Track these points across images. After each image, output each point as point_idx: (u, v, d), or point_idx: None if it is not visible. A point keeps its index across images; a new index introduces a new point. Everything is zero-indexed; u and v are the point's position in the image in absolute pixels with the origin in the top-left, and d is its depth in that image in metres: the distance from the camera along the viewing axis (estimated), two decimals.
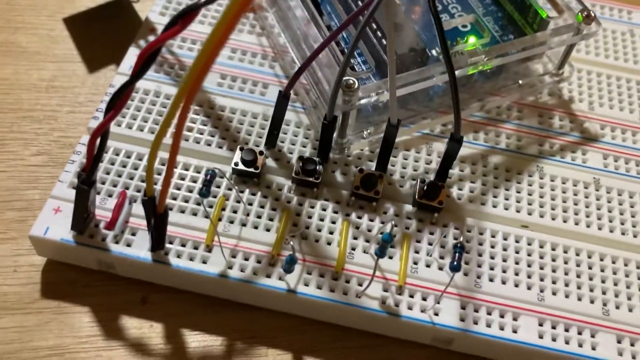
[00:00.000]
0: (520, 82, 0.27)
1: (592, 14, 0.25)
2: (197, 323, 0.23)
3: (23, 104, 0.28)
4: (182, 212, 0.23)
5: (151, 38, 0.28)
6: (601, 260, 0.24)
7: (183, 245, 0.23)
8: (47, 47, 0.30)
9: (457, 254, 0.20)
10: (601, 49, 0.30)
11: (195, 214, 0.23)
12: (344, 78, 0.22)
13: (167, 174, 0.19)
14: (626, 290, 0.23)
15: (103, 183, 0.24)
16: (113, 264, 0.23)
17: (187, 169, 0.25)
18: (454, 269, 0.20)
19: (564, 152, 0.27)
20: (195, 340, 0.23)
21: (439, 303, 0.22)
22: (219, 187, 0.24)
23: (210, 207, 0.24)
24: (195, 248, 0.23)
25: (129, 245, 0.23)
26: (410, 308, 0.22)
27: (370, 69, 0.25)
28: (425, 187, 0.24)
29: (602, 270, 0.24)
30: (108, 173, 0.24)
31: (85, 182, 0.21)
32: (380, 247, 0.21)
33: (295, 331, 0.23)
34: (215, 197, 0.24)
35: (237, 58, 0.28)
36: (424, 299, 0.22)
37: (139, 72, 0.19)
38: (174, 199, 0.24)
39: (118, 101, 0.19)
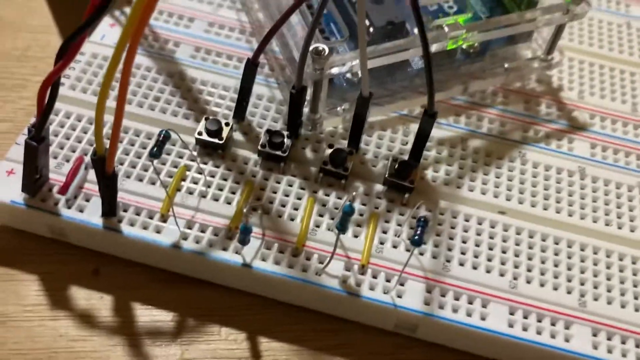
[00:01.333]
0: (506, 65, 0.26)
1: None
2: (150, 297, 0.22)
3: None
4: (140, 180, 0.22)
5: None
6: (582, 250, 0.22)
7: (137, 214, 0.22)
8: (23, 17, 0.30)
9: (419, 228, 0.19)
10: (595, 39, 0.29)
11: (153, 183, 0.22)
12: (314, 45, 0.21)
13: (115, 131, 0.18)
14: (606, 282, 0.22)
15: (61, 148, 0.23)
16: (64, 230, 0.22)
17: (149, 138, 0.24)
18: (414, 243, 0.19)
19: (550, 139, 0.25)
20: (145, 314, 0.21)
21: (402, 285, 0.21)
22: (181, 157, 0.23)
23: (171, 177, 0.23)
24: (150, 217, 0.22)
25: (81, 211, 0.22)
26: (372, 289, 0.21)
27: (344, 38, 0.24)
28: (396, 166, 0.23)
29: (582, 261, 0.22)
30: (68, 138, 0.23)
31: (34, 138, 0.20)
32: (341, 220, 0.20)
33: (252, 311, 0.22)
34: (176, 167, 0.23)
35: (213, 32, 0.27)
36: (388, 281, 0.21)
37: (90, 19, 0.18)
38: (133, 167, 0.23)
39: (68, 51, 0.18)
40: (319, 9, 0.20)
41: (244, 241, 0.20)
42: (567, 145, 0.25)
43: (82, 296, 0.22)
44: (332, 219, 0.22)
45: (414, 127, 0.25)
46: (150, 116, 0.24)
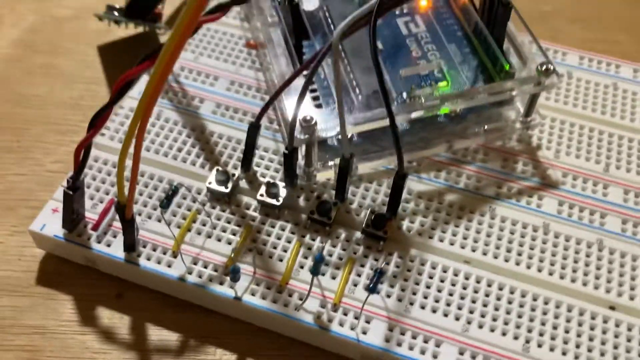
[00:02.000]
0: (485, 127, 0.29)
1: (551, 67, 0.27)
2: (161, 320, 0.26)
3: (51, 118, 0.33)
4: (159, 221, 0.27)
5: None
6: (534, 300, 0.25)
7: (154, 250, 0.26)
8: (79, 69, 0.35)
9: (375, 277, 0.23)
10: (580, 100, 0.32)
11: (169, 224, 0.27)
12: (305, 114, 0.25)
13: (132, 184, 0.23)
14: (552, 330, 0.24)
15: (97, 191, 0.28)
16: (95, 260, 0.27)
17: (171, 185, 0.28)
18: (369, 289, 0.23)
19: (521, 195, 0.28)
20: (156, 334, 0.26)
21: (368, 322, 0.24)
22: (195, 201, 0.27)
23: (185, 218, 0.27)
24: (164, 253, 0.26)
25: (108, 245, 0.26)
26: (341, 325, 0.24)
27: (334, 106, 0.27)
28: (373, 217, 0.26)
29: (533, 310, 0.25)
30: (103, 182, 0.28)
31: (70, 188, 0.25)
32: (314, 265, 0.23)
33: (244, 336, 0.26)
34: (190, 210, 0.27)
35: (233, 89, 0.32)
36: (356, 318, 0.25)
37: (114, 98, 0.22)
38: (154, 209, 0.27)
39: (98, 121, 0.23)
40: (304, 86, 0.24)
41: (234, 279, 0.24)
42: (536, 202, 0.28)
43: (106, 315, 0.26)
44: None
45: None
46: (173, 165, 0.29)
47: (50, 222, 0.27)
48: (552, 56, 0.33)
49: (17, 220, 0.29)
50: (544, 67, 0.27)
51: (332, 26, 0.31)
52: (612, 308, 0.25)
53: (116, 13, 0.34)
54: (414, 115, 0.27)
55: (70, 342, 0.26)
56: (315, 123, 0.25)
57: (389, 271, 0.25)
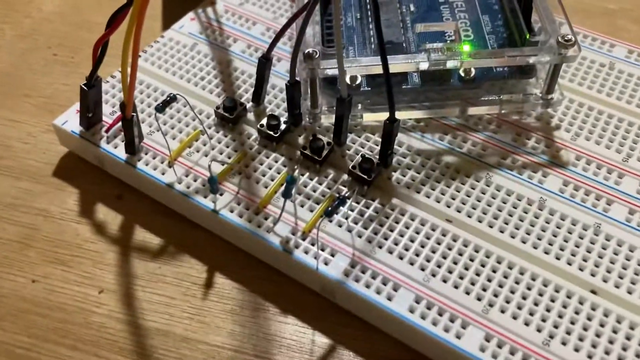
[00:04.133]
0: (501, 97, 0.28)
1: (572, 39, 0.26)
2: (148, 223, 0.28)
3: None
4: (166, 134, 0.29)
5: (209, 10, 0.35)
6: (509, 268, 0.24)
7: (154, 158, 0.28)
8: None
9: (335, 202, 0.23)
10: (617, 91, 0.30)
11: (174, 138, 0.28)
12: (307, 50, 0.26)
13: (130, 85, 0.24)
14: (520, 300, 0.23)
15: (119, 100, 0.30)
16: (102, 159, 0.29)
17: (184, 106, 0.30)
18: (326, 213, 0.23)
19: (524, 169, 0.27)
20: (140, 235, 0.27)
21: (333, 255, 0.24)
22: (202, 123, 0.29)
23: (188, 135, 0.28)
24: (162, 162, 0.28)
25: (115, 147, 0.28)
26: (306, 252, 0.25)
27: (344, 46, 0.28)
28: (360, 160, 0.26)
29: (505, 277, 0.24)
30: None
31: (87, 84, 0.27)
32: (285, 187, 0.24)
33: (220, 251, 0.27)
34: (194, 129, 0.29)
35: (267, 35, 0.33)
36: (322, 250, 0.25)
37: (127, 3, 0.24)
38: (164, 123, 0.29)
39: (116, 19, 0.25)
40: (306, 15, 0.25)
41: (213, 190, 0.25)
42: (538, 178, 0.27)
43: (103, 212, 0.28)
44: (299, 194, 0.26)
45: (400, 136, 0.28)
46: (193, 90, 0.30)
47: (71, 120, 0.29)
48: (598, 47, 0.32)
49: (53, 121, 0.32)
50: (565, 38, 0.26)
51: None
52: (593, 292, 0.23)
53: None
54: (422, 66, 0.27)
55: (66, 228, 0.28)
56: (319, 57, 0.26)
57: (351, 204, 0.25)
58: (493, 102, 0.28)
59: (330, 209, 0.23)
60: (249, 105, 0.29)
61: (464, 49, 0.28)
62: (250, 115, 0.29)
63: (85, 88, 0.27)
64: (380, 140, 0.28)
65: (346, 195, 0.23)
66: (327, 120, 0.29)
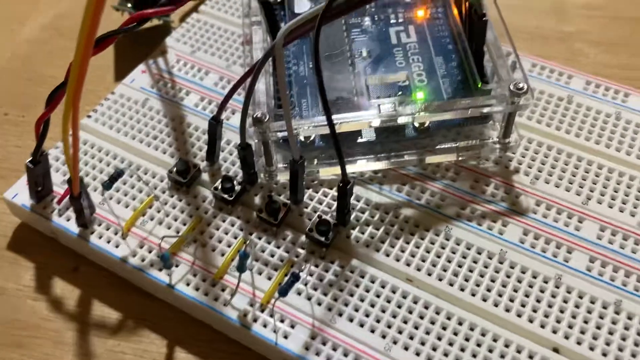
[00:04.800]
0: (458, 144, 0.28)
1: (524, 86, 0.25)
2: (106, 297, 0.27)
3: None
4: (118, 203, 0.28)
5: (160, 60, 0.34)
6: (470, 329, 0.24)
7: (107, 229, 0.27)
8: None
9: (289, 280, 0.22)
10: (575, 126, 0.29)
11: (127, 206, 0.28)
12: (258, 113, 0.25)
13: (74, 164, 0.24)
14: (466, 356, 0.23)
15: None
16: (56, 233, 0.28)
17: (145, 172, 0.29)
18: (280, 292, 0.22)
19: (483, 219, 0.27)
20: (98, 310, 0.27)
21: (292, 327, 0.24)
22: (156, 188, 0.28)
23: (141, 202, 0.28)
24: (115, 233, 0.27)
25: (68, 219, 0.28)
26: (264, 326, 0.24)
27: (292, 106, 0.27)
28: (317, 222, 0.26)
29: (467, 340, 0.23)
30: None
31: (31, 161, 0.26)
32: (238, 261, 0.23)
33: (179, 324, 0.26)
34: (148, 195, 0.28)
35: (220, 85, 0.32)
36: (282, 321, 0.24)
37: (67, 79, 0.24)
38: (117, 190, 0.28)
39: (53, 100, 0.24)
40: (250, 85, 0.24)
41: (165, 266, 0.25)
42: (498, 228, 0.26)
43: (60, 286, 0.27)
44: (256, 260, 0.26)
45: (358, 189, 0.28)
46: (144, 150, 0.30)
47: (22, 192, 0.28)
48: (556, 79, 0.31)
49: (6, 188, 0.31)
50: (517, 87, 0.25)
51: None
52: (555, 350, 0.23)
53: (129, 4, 0.36)
54: (374, 123, 0.26)
55: (22, 306, 0.27)
56: (268, 121, 0.25)
57: (304, 279, 0.25)
58: (450, 149, 0.28)
59: (285, 286, 0.22)
60: (203, 164, 0.29)
61: (417, 97, 0.28)
62: (205, 175, 0.29)
63: (31, 165, 0.26)
64: (334, 193, 0.28)
65: (301, 270, 0.23)
66: (284, 176, 0.28)
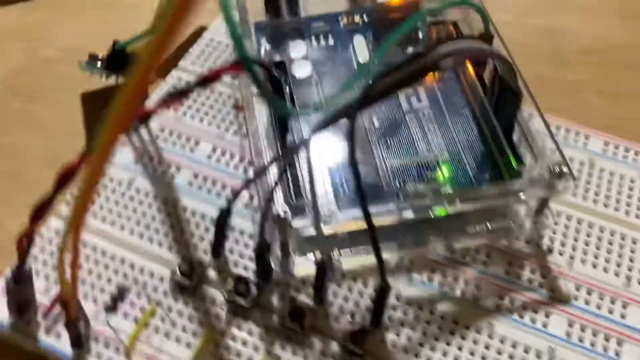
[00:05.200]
0: (489, 226, 0.26)
1: (565, 170, 0.23)
2: None
3: (20, 173, 0.30)
4: (116, 315, 0.24)
5: (142, 129, 0.30)
6: None
7: (106, 347, 0.23)
8: (59, 119, 0.33)
9: None
10: (602, 195, 0.28)
11: (125, 316, 0.24)
12: (279, 209, 0.22)
13: (74, 292, 0.20)
14: None
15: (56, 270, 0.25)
16: (45, 354, 0.24)
17: (141, 270, 0.25)
18: None
19: (525, 310, 0.25)
20: None
21: None
22: (150, 298, 0.25)
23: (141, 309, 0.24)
24: (117, 351, 0.23)
25: (58, 336, 0.24)
26: None
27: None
28: (350, 328, 0.23)
29: None
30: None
31: (14, 279, 0.22)
32: None
33: None
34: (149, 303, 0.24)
35: (215, 158, 0.29)
36: None
37: (54, 192, 0.20)
38: (115, 299, 0.24)
39: (40, 214, 0.20)
40: (273, 186, 0.21)
41: None
42: (542, 320, 0.24)
43: None
44: None
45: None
46: (138, 244, 0.26)
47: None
48: (574, 139, 0.30)
49: None
50: (557, 169, 0.24)
51: (321, 98, 0.28)
52: None
53: (98, 63, 0.31)
54: (405, 214, 0.24)
55: None
56: (290, 219, 0.22)
57: None
58: (481, 232, 0.26)
59: None
60: (207, 258, 0.25)
61: (444, 175, 0.25)
62: (211, 272, 0.25)
63: (12, 284, 0.22)
64: (363, 288, 0.25)
65: None
66: (303, 271, 0.25)
